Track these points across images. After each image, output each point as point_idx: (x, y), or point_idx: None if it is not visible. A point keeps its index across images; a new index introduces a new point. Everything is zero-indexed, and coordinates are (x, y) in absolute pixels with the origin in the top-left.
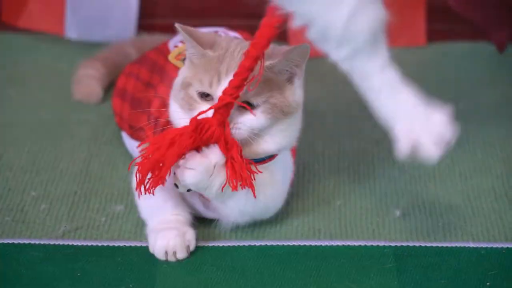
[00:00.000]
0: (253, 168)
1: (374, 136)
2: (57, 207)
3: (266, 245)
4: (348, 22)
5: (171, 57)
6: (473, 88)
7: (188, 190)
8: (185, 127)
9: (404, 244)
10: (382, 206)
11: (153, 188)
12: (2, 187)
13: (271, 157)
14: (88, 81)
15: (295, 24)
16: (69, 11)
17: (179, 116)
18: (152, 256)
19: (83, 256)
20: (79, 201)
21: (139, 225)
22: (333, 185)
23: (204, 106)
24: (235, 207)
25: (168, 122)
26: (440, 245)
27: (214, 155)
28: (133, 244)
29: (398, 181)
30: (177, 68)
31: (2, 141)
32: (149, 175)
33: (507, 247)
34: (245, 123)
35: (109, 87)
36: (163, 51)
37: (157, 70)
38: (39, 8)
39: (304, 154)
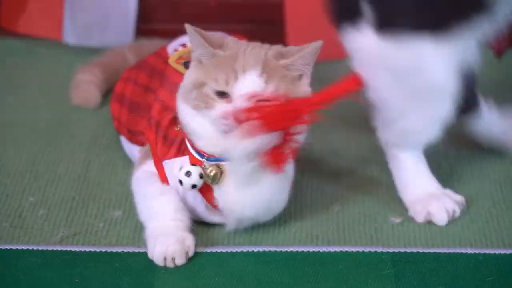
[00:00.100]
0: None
1: (372, 141)
2: (55, 212)
3: (264, 251)
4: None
5: (171, 61)
6: None
7: (193, 187)
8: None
9: (402, 250)
10: (380, 212)
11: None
12: (0, 192)
13: None
14: (86, 86)
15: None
16: (67, 17)
17: (190, 117)
18: (150, 262)
19: (81, 261)
20: (77, 206)
21: (137, 231)
22: (331, 191)
23: (221, 104)
24: (249, 198)
25: (170, 126)
26: (437, 251)
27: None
28: (131, 249)
29: (395, 187)
30: (177, 72)
31: (2, 144)
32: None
33: (505, 253)
34: None
35: (107, 92)
36: (162, 55)
37: (156, 74)
38: (38, 14)
39: (301, 160)
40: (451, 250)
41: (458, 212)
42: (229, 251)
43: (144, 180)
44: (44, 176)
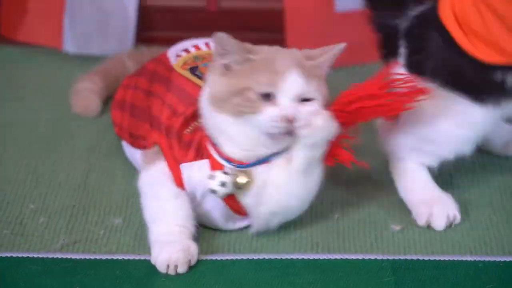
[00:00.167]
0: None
1: (372, 149)
2: (55, 220)
3: (264, 258)
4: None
5: (177, 67)
6: None
7: (223, 196)
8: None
9: (402, 257)
10: (380, 219)
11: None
12: (0, 200)
13: None
14: (86, 94)
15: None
16: (67, 25)
17: (226, 125)
18: (150, 269)
19: (81, 269)
20: (78, 214)
21: (138, 238)
22: (331, 198)
23: (269, 107)
24: (295, 191)
25: (181, 130)
26: (438, 258)
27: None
28: (131, 257)
29: (396, 195)
30: (183, 77)
31: (2, 152)
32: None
33: (505, 261)
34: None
35: (107, 100)
36: (162, 61)
37: (157, 79)
38: (38, 22)
39: None
40: (451, 258)
41: (458, 218)
42: (229, 258)
43: (155, 180)
44: (45, 183)
